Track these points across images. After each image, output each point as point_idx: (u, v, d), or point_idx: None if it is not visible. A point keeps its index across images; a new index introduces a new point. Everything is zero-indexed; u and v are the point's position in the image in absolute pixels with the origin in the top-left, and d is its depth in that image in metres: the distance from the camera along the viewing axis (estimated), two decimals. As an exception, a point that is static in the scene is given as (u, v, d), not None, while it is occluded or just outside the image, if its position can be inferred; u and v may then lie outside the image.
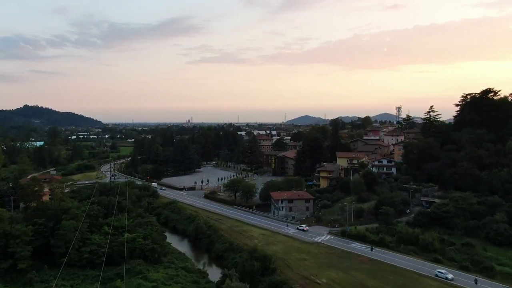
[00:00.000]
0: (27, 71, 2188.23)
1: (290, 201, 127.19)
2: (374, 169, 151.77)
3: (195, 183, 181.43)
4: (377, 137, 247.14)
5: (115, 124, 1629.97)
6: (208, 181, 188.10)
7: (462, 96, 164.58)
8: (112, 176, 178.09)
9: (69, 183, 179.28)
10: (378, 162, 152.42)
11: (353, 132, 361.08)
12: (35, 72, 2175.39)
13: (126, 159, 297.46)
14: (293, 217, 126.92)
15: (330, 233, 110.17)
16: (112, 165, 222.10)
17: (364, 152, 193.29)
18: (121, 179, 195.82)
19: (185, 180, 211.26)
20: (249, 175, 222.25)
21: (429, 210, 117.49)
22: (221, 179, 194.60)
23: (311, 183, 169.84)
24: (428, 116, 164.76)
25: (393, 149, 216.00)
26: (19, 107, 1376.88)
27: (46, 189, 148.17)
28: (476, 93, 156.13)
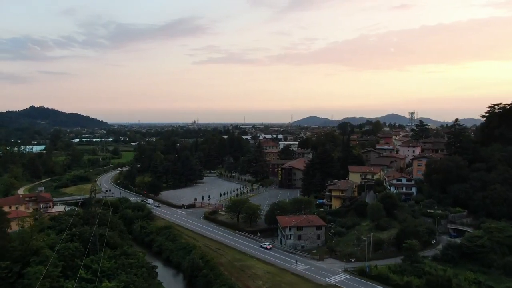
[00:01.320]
0: (35, 72, 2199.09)
1: (299, 228, 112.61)
2: (392, 189, 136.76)
3: (195, 200, 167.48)
4: (390, 147, 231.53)
5: (121, 125, 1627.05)
6: (209, 197, 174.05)
7: (489, 107, 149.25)
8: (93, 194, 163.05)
9: (56, 199, 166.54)
10: (397, 181, 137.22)
11: (364, 138, 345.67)
12: (42, 73, 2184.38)
13: (125, 168, 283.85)
14: (302, 247, 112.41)
15: (346, 270, 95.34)
16: (97, 181, 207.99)
17: (378, 165, 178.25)
18: (116, 194, 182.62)
19: (186, 194, 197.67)
20: (254, 188, 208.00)
21: (459, 241, 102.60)
22: (224, 194, 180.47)
23: (321, 201, 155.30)
24: (453, 130, 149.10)
25: (409, 161, 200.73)
26: (25, 108, 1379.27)
27: (29, 210, 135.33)
28: (506, 104, 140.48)
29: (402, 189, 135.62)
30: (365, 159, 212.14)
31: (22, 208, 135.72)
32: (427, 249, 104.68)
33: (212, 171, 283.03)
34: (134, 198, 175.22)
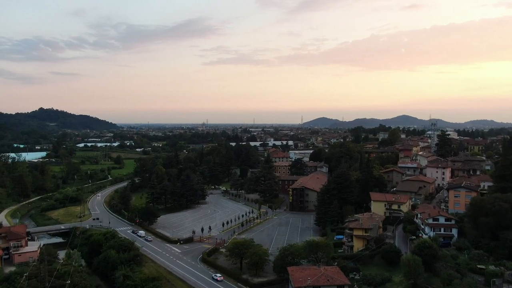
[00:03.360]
0: (46, 73, 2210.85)
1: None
2: (427, 230, 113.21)
3: (193, 232, 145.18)
4: (414, 165, 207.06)
5: (130, 127, 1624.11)
6: (210, 228, 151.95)
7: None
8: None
9: (35, 230, 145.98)
10: (433, 220, 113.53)
11: (380, 150, 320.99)
12: (54, 74, 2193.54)
13: (124, 183, 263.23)
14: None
15: None
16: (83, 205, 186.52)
17: (405, 192, 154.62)
18: (105, 222, 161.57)
19: (185, 219, 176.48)
20: (262, 211, 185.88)
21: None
22: (227, 223, 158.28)
23: (340, 237, 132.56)
24: (500, 159, 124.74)
25: (438, 185, 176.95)
26: (34, 109, 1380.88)
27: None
28: None
29: (440, 230, 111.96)
30: (387, 180, 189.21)
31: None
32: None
33: (217, 186, 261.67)
34: (125, 228, 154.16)
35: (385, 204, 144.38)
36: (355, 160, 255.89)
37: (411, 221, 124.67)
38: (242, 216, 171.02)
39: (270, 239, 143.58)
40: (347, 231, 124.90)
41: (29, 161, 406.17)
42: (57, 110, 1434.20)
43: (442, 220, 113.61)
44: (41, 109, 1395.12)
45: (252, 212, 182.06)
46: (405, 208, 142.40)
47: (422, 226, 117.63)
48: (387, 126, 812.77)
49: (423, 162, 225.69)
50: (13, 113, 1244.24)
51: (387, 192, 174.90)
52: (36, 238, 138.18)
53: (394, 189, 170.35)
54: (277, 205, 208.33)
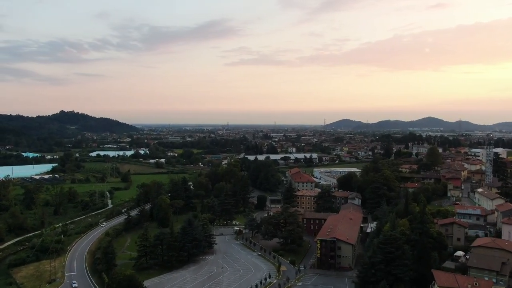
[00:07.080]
0: (71, 74, 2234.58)
1: None
2: None
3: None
4: (478, 211, 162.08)
5: (151, 128, 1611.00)
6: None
7: None
8: None
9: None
10: None
11: (422, 175, 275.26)
12: (78, 75, 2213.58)
13: (118, 221, 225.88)
14: None
15: None
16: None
17: (482, 271, 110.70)
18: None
19: (183, 283, 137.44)
20: (282, 270, 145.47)
21: None
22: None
23: None
24: None
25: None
26: (55, 112, 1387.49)
27: None
28: None
29: None
30: (446, 235, 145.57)
31: None
32: None
33: (229, 221, 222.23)
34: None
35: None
36: (395, 193, 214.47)
37: None
38: (256, 286, 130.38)
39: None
40: None
41: (32, 177, 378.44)
42: (77, 113, 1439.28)
43: None
44: (62, 111, 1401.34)
45: (270, 276, 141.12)
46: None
47: None
48: (417, 134, 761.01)
49: (485, 203, 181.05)
50: (35, 116, 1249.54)
51: (448, 253, 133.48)
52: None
53: (462, 255, 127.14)
54: (301, 256, 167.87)
